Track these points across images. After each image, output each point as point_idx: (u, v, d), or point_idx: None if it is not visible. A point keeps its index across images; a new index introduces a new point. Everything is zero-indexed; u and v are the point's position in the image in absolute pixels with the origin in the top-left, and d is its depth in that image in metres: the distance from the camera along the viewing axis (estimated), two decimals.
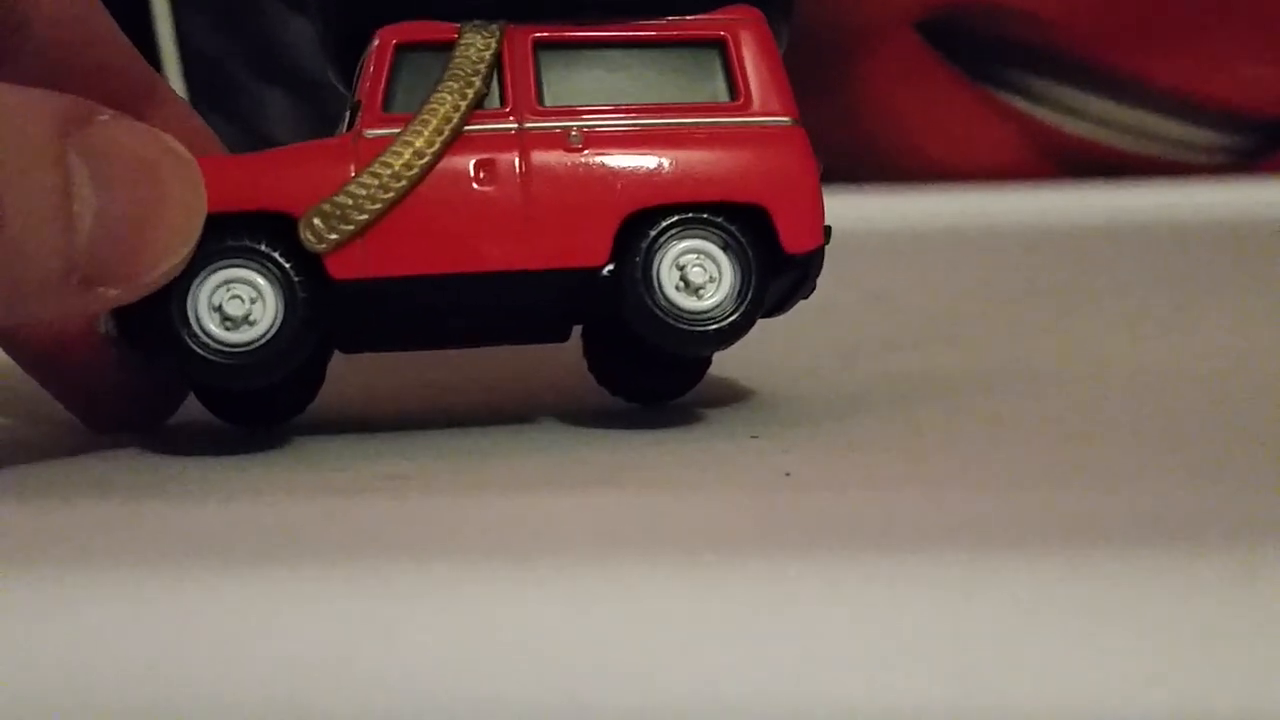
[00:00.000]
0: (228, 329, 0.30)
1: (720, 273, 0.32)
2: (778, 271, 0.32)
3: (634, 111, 0.32)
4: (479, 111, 0.31)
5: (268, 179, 0.31)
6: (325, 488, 0.29)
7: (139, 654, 0.23)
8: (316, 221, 0.30)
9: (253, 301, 0.31)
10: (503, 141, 0.31)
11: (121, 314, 0.31)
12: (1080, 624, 0.22)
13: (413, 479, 0.30)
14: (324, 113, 0.70)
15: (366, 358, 0.34)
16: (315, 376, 0.34)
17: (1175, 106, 0.72)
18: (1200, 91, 0.71)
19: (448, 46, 0.32)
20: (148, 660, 0.22)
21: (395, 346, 0.33)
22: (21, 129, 0.27)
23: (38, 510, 0.28)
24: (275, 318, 0.31)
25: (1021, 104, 0.72)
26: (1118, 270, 0.57)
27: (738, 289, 0.32)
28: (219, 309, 0.30)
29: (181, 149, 0.29)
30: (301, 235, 0.30)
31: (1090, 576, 0.23)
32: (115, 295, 0.29)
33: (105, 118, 0.28)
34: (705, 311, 0.32)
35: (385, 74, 0.32)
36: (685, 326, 0.32)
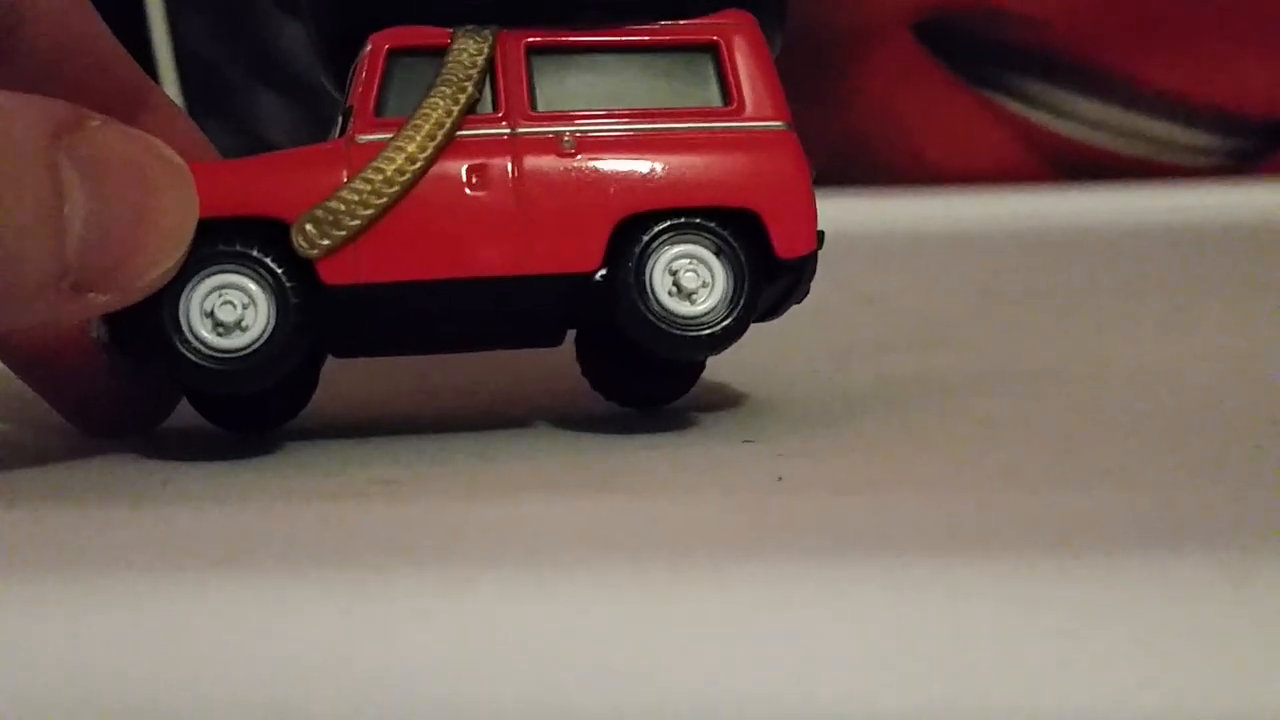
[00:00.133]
0: (220, 335, 0.30)
1: (713, 278, 0.32)
2: (771, 277, 0.32)
3: (626, 116, 0.32)
4: (471, 116, 0.31)
5: (260, 184, 0.31)
6: (319, 492, 0.29)
7: (133, 658, 0.23)
8: (309, 227, 0.30)
9: (245, 307, 0.30)
10: (495, 146, 0.31)
11: (113, 319, 0.30)
12: (1075, 626, 0.22)
13: (406, 484, 0.30)
14: (318, 116, 0.70)
15: (359, 364, 0.34)
16: (308, 381, 0.34)
17: (1171, 109, 0.72)
18: (1196, 94, 0.71)
19: (440, 52, 0.32)
20: (141, 664, 0.22)
21: (388, 351, 0.33)
22: (12, 134, 0.27)
23: (30, 514, 0.28)
24: (267, 323, 0.31)
25: (1017, 106, 0.72)
26: (1113, 272, 0.57)
27: (731, 294, 0.32)
28: (211, 314, 0.30)
29: (173, 154, 0.29)
30: (294, 241, 0.30)
31: (1085, 578, 0.23)
32: (106, 301, 0.29)
33: (96, 123, 0.28)
34: (698, 317, 0.32)
35: (377, 79, 0.32)
36: (678, 332, 0.32)
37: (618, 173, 0.32)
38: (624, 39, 0.33)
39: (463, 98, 0.31)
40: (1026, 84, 0.72)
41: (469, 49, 0.32)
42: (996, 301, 0.50)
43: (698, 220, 0.32)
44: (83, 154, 0.28)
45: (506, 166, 0.31)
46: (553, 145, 0.32)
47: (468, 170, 0.31)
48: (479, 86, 0.32)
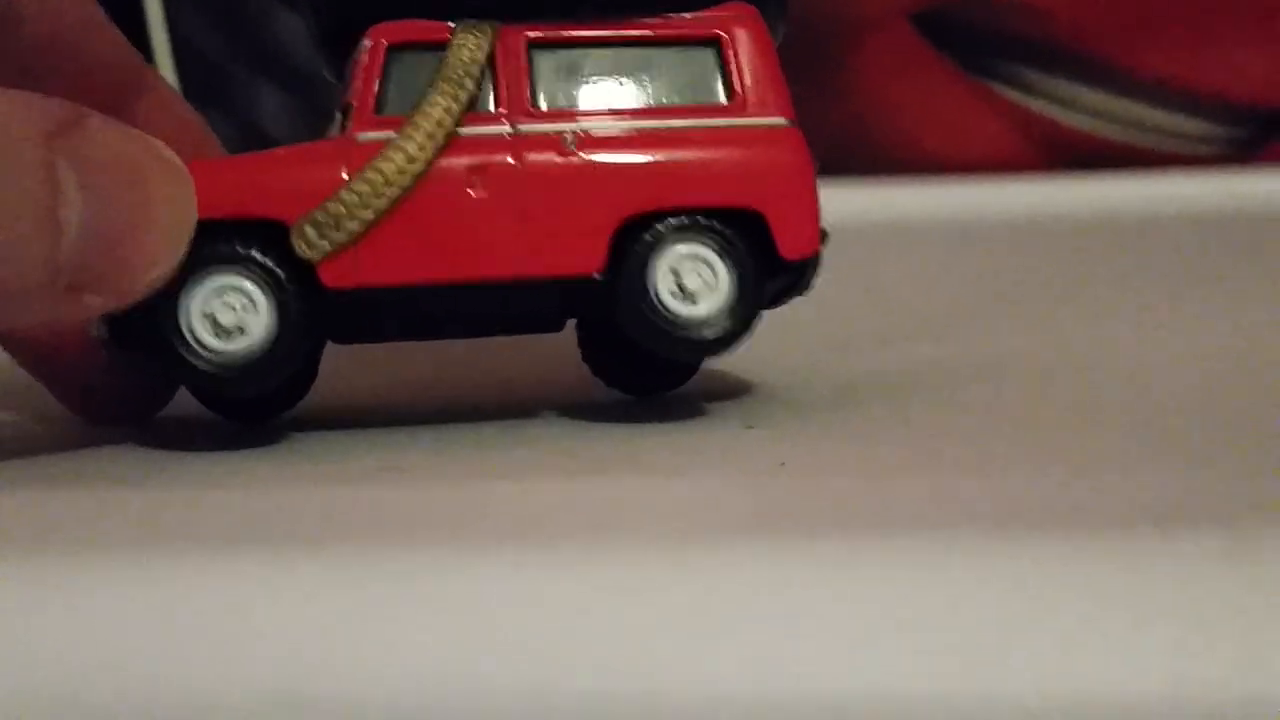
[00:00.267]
0: (219, 338, 0.30)
1: (716, 278, 0.32)
2: (774, 275, 0.32)
3: (629, 114, 0.32)
4: (472, 114, 0.31)
5: (259, 185, 0.31)
6: (322, 477, 0.29)
7: (139, 643, 0.23)
8: (309, 230, 0.30)
9: (245, 310, 0.30)
10: (496, 146, 0.31)
11: (112, 319, 0.30)
12: (1078, 607, 0.22)
13: (407, 470, 0.30)
14: (317, 106, 0.70)
15: (361, 354, 0.34)
16: (308, 370, 0.33)
17: (1170, 98, 0.72)
18: (1195, 83, 0.71)
19: (440, 47, 0.31)
20: (148, 648, 0.23)
21: (387, 341, 0.33)
22: (9, 133, 0.27)
23: (33, 502, 0.28)
24: (268, 326, 0.30)
25: (1015, 96, 0.72)
26: (1112, 262, 0.57)
27: (734, 295, 0.32)
28: (211, 317, 0.30)
29: (172, 155, 0.29)
30: (294, 243, 0.30)
31: (1086, 560, 0.23)
32: (101, 303, 0.28)
33: (96, 122, 0.28)
34: (701, 318, 0.32)
35: (377, 76, 0.31)
36: (680, 333, 0.31)
37: (620, 173, 0.31)
38: (626, 34, 0.32)
39: (463, 95, 0.31)
40: (1025, 73, 0.72)
41: (469, 44, 0.31)
42: (994, 291, 0.50)
43: (701, 220, 0.32)
44: (81, 154, 0.28)
45: (507, 166, 0.31)
46: (554, 144, 0.31)
47: (468, 171, 0.31)
48: (479, 84, 0.31)
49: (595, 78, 0.32)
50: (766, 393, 0.35)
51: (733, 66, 0.32)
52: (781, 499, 0.28)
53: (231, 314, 0.30)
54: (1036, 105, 0.72)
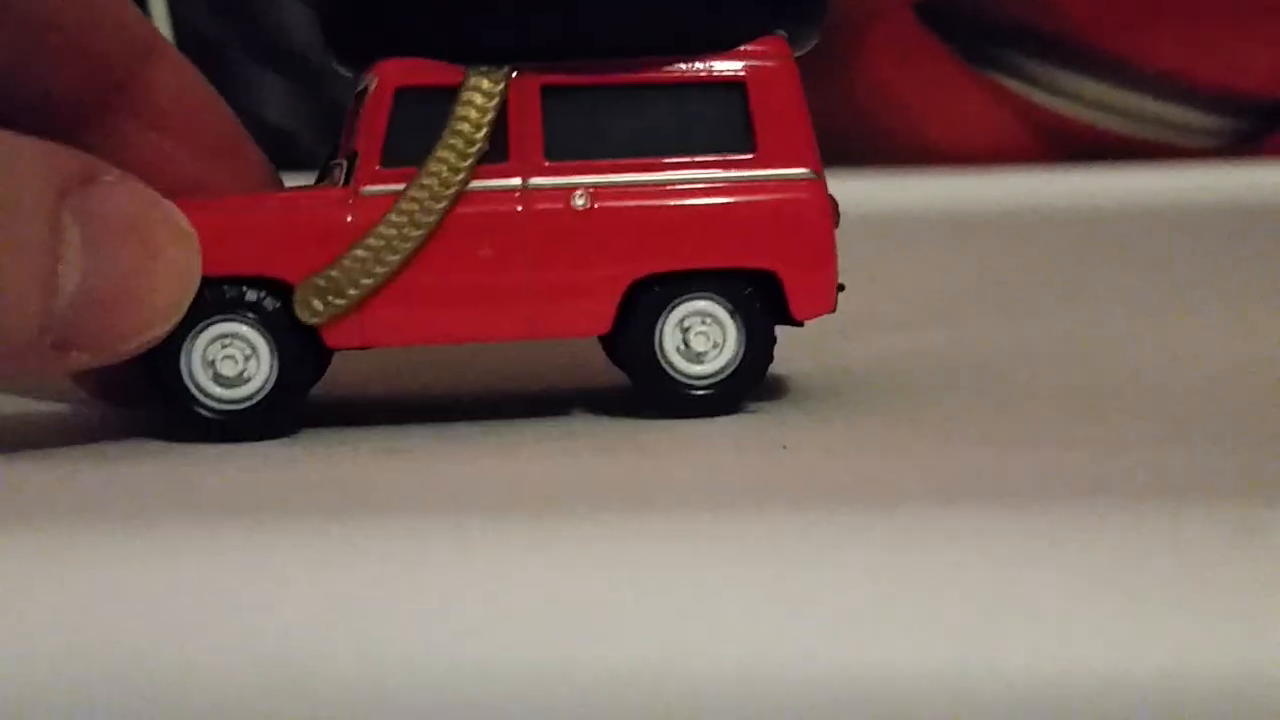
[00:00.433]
0: (222, 386, 0.30)
1: (725, 337, 0.31)
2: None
3: (643, 167, 0.31)
4: (481, 166, 0.30)
5: (263, 244, 0.30)
6: (330, 457, 0.29)
7: (149, 618, 0.23)
8: (312, 299, 0.30)
9: (247, 359, 0.30)
10: (505, 202, 0.30)
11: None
12: (1077, 583, 0.23)
13: (417, 451, 0.30)
14: (321, 97, 0.70)
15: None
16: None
17: (1172, 89, 0.72)
18: (1197, 74, 0.71)
19: (450, 90, 0.30)
20: (149, 626, 0.23)
21: None
22: (20, 182, 0.27)
23: (47, 480, 0.28)
24: (270, 374, 0.30)
25: (1018, 86, 0.72)
26: (1114, 252, 0.57)
27: (742, 354, 0.31)
28: (213, 364, 0.30)
29: (182, 219, 0.29)
30: (297, 311, 0.30)
31: (1084, 538, 0.24)
32: (88, 360, 0.28)
33: (110, 179, 0.28)
34: (706, 376, 0.31)
35: (384, 124, 0.30)
36: (684, 391, 0.31)
37: (632, 235, 0.31)
38: (645, 77, 0.31)
39: (472, 152, 0.30)
40: (1028, 64, 0.72)
41: (481, 90, 0.30)
42: (997, 280, 0.50)
43: (712, 280, 0.31)
44: (89, 211, 0.27)
45: (516, 225, 0.30)
46: (565, 200, 0.30)
47: (476, 230, 0.30)
48: (490, 138, 0.30)
49: (611, 125, 0.31)
50: (771, 376, 0.35)
51: (756, 113, 0.31)
52: (784, 478, 0.28)
53: (233, 365, 0.30)
54: (1039, 96, 0.72)
